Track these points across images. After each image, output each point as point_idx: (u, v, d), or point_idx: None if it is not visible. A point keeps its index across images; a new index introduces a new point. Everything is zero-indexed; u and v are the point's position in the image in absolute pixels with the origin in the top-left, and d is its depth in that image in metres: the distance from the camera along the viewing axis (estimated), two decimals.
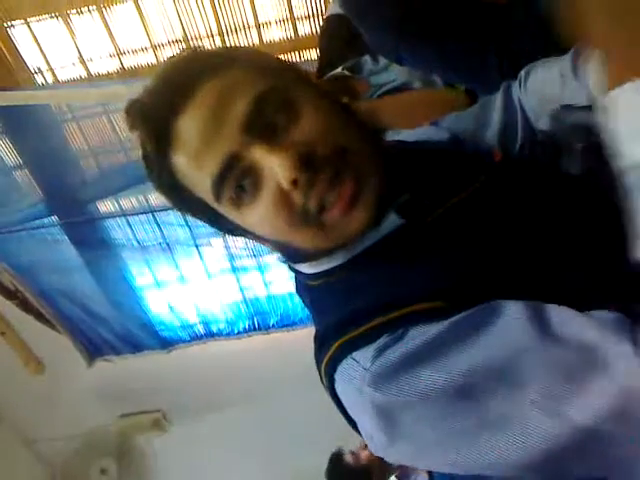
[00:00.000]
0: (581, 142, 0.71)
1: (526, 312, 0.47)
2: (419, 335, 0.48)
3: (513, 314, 0.47)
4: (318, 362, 0.58)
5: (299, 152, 0.53)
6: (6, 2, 2.25)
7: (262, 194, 0.56)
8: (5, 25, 2.35)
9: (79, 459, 3.32)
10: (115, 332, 3.04)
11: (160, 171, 0.59)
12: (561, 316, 0.47)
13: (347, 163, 0.55)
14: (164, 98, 0.56)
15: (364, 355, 0.50)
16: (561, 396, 0.43)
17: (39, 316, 2.84)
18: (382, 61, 1.46)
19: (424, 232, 0.59)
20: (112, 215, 2.66)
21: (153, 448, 3.40)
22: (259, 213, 0.57)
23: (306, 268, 0.66)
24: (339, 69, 1.51)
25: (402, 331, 0.49)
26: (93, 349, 3.08)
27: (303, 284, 0.69)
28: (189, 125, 0.55)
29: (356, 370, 0.50)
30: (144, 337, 3.07)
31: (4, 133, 2.48)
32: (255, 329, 3.11)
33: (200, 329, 3.13)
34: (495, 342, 0.46)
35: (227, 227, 0.64)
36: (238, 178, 0.55)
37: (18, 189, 2.61)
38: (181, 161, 0.57)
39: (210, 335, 3.15)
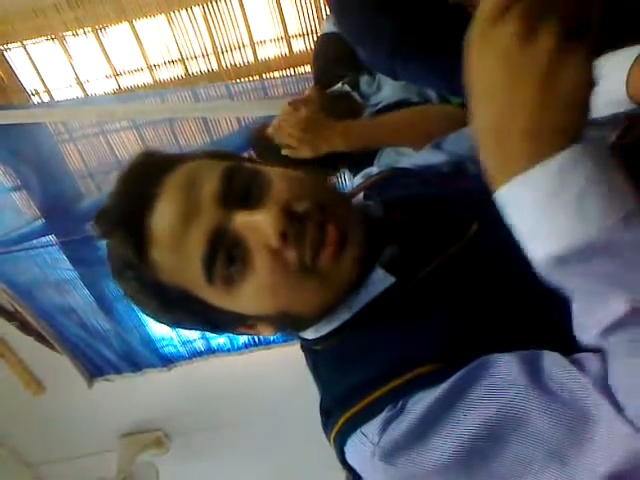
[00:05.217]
0: None
1: (519, 365, 0.46)
2: (419, 405, 0.49)
3: (505, 369, 0.47)
4: (327, 434, 0.58)
5: (280, 208, 0.53)
6: (2, 25, 2.27)
7: (254, 263, 0.54)
8: (2, 48, 2.37)
9: None
10: (115, 350, 3.03)
11: (141, 275, 0.57)
12: (555, 364, 0.46)
13: (327, 216, 0.55)
14: (133, 197, 0.56)
15: (371, 429, 0.51)
16: (566, 454, 0.42)
17: (39, 337, 2.83)
18: (375, 84, 1.48)
19: (417, 290, 0.58)
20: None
21: (155, 467, 3.37)
22: (255, 284, 0.55)
23: (309, 334, 0.65)
24: (339, 84, 1.52)
25: (402, 403, 0.50)
26: (93, 369, 3.06)
27: (310, 353, 0.67)
28: (165, 214, 0.55)
29: (365, 445, 0.51)
30: (144, 354, 3.05)
31: (1, 154, 2.49)
32: (256, 344, 3.09)
33: (200, 345, 3.11)
34: (491, 400, 0.46)
35: (220, 319, 0.61)
36: (227, 250, 0.54)
37: (16, 209, 2.62)
38: (163, 255, 0.55)
39: (211, 351, 3.13)
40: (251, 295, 0.56)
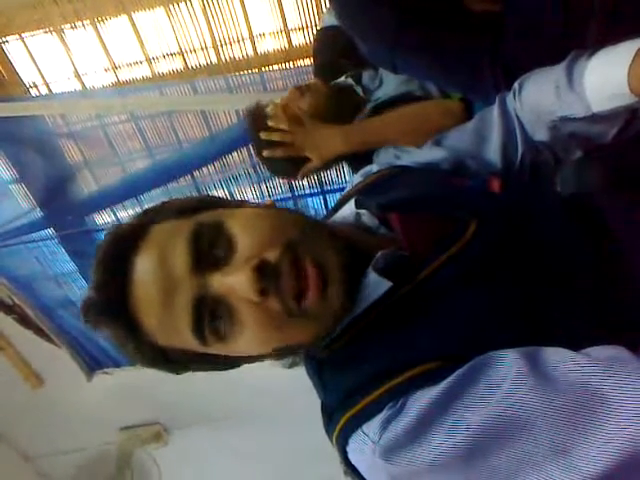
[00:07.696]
0: (579, 152, 0.72)
1: (520, 361, 0.47)
2: (419, 402, 0.49)
3: (506, 365, 0.47)
4: (329, 433, 0.59)
5: (252, 265, 0.54)
6: (0, 18, 2.26)
7: (240, 317, 0.56)
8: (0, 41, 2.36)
9: (80, 475, 3.30)
10: None
11: (143, 349, 0.59)
12: (556, 359, 0.46)
13: (299, 252, 0.56)
14: (111, 288, 0.57)
15: (372, 428, 0.51)
16: (568, 447, 0.42)
17: (38, 330, 2.83)
18: (377, 78, 1.47)
19: (417, 291, 0.59)
20: (109, 227, 2.66)
21: (154, 461, 3.38)
22: (246, 335, 0.56)
23: None
24: (343, 77, 1.52)
25: (402, 401, 0.50)
26: (92, 362, 3.07)
27: (314, 360, 0.67)
28: (145, 298, 0.56)
29: (366, 444, 0.51)
30: None
31: (0, 147, 2.49)
32: None
33: None
34: (492, 397, 0.46)
35: (224, 363, 0.64)
36: (212, 311, 0.56)
37: (14, 202, 2.61)
38: (155, 331, 0.58)
39: None
40: (246, 344, 0.58)
